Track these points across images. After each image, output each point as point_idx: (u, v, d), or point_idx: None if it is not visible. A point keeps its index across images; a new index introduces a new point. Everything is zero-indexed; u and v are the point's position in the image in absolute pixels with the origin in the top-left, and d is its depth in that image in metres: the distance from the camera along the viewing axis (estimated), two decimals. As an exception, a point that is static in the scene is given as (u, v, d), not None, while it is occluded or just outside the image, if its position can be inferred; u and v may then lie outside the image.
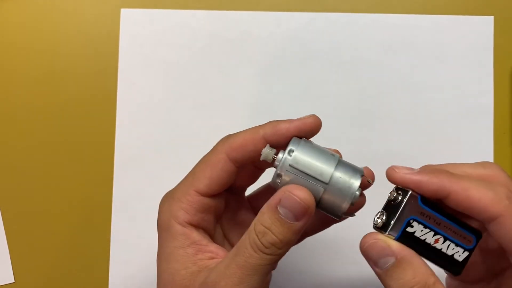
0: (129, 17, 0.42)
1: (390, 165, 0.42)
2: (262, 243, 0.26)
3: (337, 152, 0.29)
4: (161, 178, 0.41)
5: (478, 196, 0.25)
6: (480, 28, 0.42)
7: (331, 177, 0.26)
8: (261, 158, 0.27)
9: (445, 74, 0.42)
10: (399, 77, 0.42)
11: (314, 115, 0.28)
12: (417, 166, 0.41)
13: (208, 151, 0.29)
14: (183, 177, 0.31)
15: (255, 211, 0.32)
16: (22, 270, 0.41)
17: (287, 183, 0.26)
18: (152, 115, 0.42)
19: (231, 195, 0.31)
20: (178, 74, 0.42)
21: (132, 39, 0.42)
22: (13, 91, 0.42)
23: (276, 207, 0.26)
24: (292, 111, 0.42)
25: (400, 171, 0.26)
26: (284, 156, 0.26)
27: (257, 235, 0.26)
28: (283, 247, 0.26)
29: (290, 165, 0.26)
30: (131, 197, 0.41)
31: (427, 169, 0.27)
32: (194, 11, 0.42)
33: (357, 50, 0.42)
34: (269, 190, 0.32)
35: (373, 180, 0.29)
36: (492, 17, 0.42)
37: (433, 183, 0.26)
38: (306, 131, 0.28)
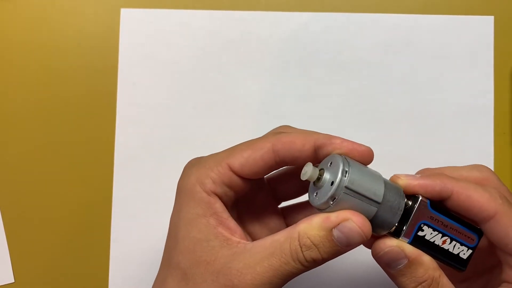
0: (129, 17, 0.42)
1: (390, 165, 0.42)
2: (304, 256, 0.26)
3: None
4: (161, 178, 0.41)
5: (476, 196, 0.27)
6: (480, 28, 0.42)
7: (384, 196, 0.26)
8: (304, 178, 0.26)
9: (445, 74, 0.42)
10: (399, 77, 0.42)
11: (369, 148, 0.27)
12: (417, 166, 0.41)
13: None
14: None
15: (274, 193, 0.32)
16: (22, 270, 0.41)
17: (342, 206, 0.25)
18: (152, 115, 0.42)
19: (255, 186, 0.30)
20: (178, 74, 0.42)
21: (132, 39, 0.42)
22: (12, 90, 0.42)
23: (332, 229, 0.25)
24: (292, 111, 0.42)
25: (404, 178, 0.27)
26: (340, 177, 0.25)
27: (301, 247, 0.26)
28: (322, 263, 0.26)
29: (346, 187, 0.25)
30: (131, 197, 0.41)
31: (427, 173, 0.29)
32: (194, 11, 0.42)
33: (357, 50, 0.42)
34: (290, 174, 0.32)
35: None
36: (492, 17, 0.42)
37: (436, 185, 0.27)
38: (359, 157, 0.27)
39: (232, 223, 0.28)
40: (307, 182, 0.27)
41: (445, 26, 0.42)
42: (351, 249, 0.26)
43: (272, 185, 0.32)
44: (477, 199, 0.27)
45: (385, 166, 0.42)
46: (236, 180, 0.28)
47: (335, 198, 0.25)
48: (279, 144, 0.27)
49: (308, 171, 0.26)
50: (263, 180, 0.32)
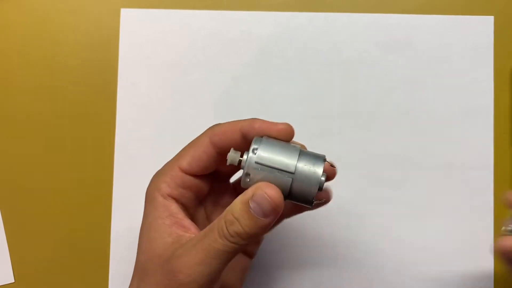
0: (129, 17, 0.42)
1: (390, 165, 0.42)
2: (228, 231, 0.27)
3: (302, 146, 0.31)
4: (161, 178, 0.41)
5: None
6: (480, 28, 0.42)
7: (296, 166, 0.28)
8: (228, 163, 0.29)
9: (445, 74, 0.42)
10: (399, 77, 0.42)
11: (287, 124, 0.30)
12: (417, 166, 0.41)
13: None
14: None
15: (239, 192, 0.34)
16: (22, 270, 0.41)
17: (257, 180, 0.28)
18: (152, 115, 0.42)
19: (217, 181, 0.33)
20: (178, 74, 0.42)
21: (132, 39, 0.42)
22: (12, 90, 0.42)
23: (248, 201, 0.27)
24: (292, 111, 0.42)
25: None
26: (249, 155, 0.28)
27: (225, 223, 0.28)
28: (247, 239, 0.28)
29: (256, 162, 0.28)
30: (131, 197, 0.41)
31: None
32: (194, 11, 0.42)
33: (357, 50, 0.42)
34: None
35: (334, 166, 0.31)
36: (492, 17, 0.42)
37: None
38: (277, 135, 0.29)
39: (187, 222, 0.30)
40: None
41: (445, 26, 0.42)
42: (271, 220, 0.28)
43: (238, 190, 0.34)
44: None
45: (384, 165, 0.42)
46: (190, 179, 0.31)
47: (248, 174, 0.28)
48: (214, 137, 0.30)
49: (229, 156, 0.29)
50: (229, 184, 0.34)
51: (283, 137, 0.29)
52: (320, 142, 0.41)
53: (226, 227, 0.27)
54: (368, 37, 0.42)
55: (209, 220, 0.33)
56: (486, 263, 0.40)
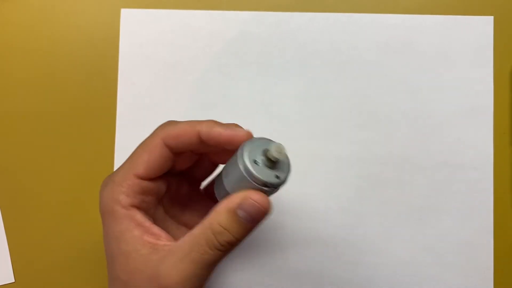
0: (129, 17, 0.42)
1: (390, 165, 0.42)
2: (219, 242, 0.27)
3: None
4: (161, 178, 0.41)
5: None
6: (480, 28, 0.42)
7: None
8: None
9: (445, 74, 0.42)
10: (399, 77, 0.42)
11: (248, 131, 0.29)
12: (417, 166, 0.41)
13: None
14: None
15: (191, 179, 0.34)
16: (22, 270, 0.41)
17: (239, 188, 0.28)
18: (152, 115, 0.42)
19: (172, 177, 0.32)
20: (178, 74, 0.42)
21: (132, 39, 0.42)
22: (12, 90, 0.42)
23: (235, 210, 0.27)
24: (292, 111, 0.42)
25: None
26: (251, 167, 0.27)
27: (214, 235, 0.27)
28: (237, 244, 0.28)
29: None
30: (131, 197, 0.41)
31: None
32: (194, 11, 0.42)
33: (357, 50, 0.42)
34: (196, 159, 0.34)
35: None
36: (492, 17, 0.42)
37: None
38: (237, 143, 0.29)
39: (155, 228, 0.29)
40: (209, 159, 0.31)
41: (445, 26, 0.42)
42: (259, 224, 0.28)
43: (186, 172, 0.34)
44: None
45: (384, 165, 0.42)
46: (147, 184, 0.30)
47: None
48: (168, 139, 0.29)
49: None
50: (184, 178, 0.34)
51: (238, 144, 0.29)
52: (320, 142, 0.41)
53: (216, 238, 0.27)
54: (368, 37, 0.42)
55: (168, 214, 0.32)
56: (486, 263, 0.40)
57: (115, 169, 0.41)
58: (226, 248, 0.28)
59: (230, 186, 0.28)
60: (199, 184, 0.35)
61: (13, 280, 0.41)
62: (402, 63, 0.42)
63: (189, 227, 0.32)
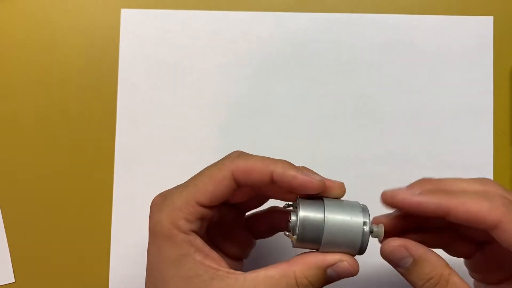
0: (129, 17, 0.42)
1: (390, 165, 0.42)
2: None
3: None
4: (161, 178, 0.41)
5: (475, 208, 0.27)
6: (480, 28, 0.42)
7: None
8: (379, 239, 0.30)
9: (445, 74, 0.42)
10: (399, 77, 0.42)
11: (322, 179, 0.29)
12: (417, 166, 0.41)
13: (213, 162, 0.30)
14: (182, 176, 0.31)
15: (238, 210, 0.34)
16: (22, 270, 0.41)
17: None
18: (152, 115, 0.42)
19: (224, 206, 0.32)
20: (178, 74, 0.42)
21: (132, 39, 0.42)
22: (12, 90, 0.42)
23: (326, 267, 0.28)
24: (292, 111, 0.42)
25: (399, 196, 0.29)
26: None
27: (298, 286, 0.28)
28: None
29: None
30: (131, 197, 0.41)
31: (425, 189, 0.29)
32: (194, 11, 0.42)
33: (357, 50, 0.42)
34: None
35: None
36: (492, 17, 0.42)
37: (432, 203, 0.28)
38: (310, 190, 0.29)
39: (215, 254, 0.29)
40: (265, 194, 0.32)
41: (445, 26, 0.42)
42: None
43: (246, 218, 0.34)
44: (476, 211, 0.27)
45: (384, 166, 0.42)
46: (206, 211, 0.29)
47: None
48: (238, 173, 0.28)
49: (379, 234, 0.30)
50: (230, 207, 0.33)
51: (314, 191, 0.29)
52: (320, 142, 0.41)
53: None
54: (368, 37, 0.42)
55: (212, 242, 0.32)
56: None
57: (115, 169, 0.41)
58: None
59: (331, 236, 0.28)
60: (244, 214, 0.35)
61: (13, 280, 0.41)
62: (402, 63, 0.42)
63: (224, 252, 0.33)
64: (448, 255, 0.33)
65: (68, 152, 0.42)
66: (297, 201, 0.29)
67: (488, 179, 0.30)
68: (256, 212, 0.35)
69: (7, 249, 0.41)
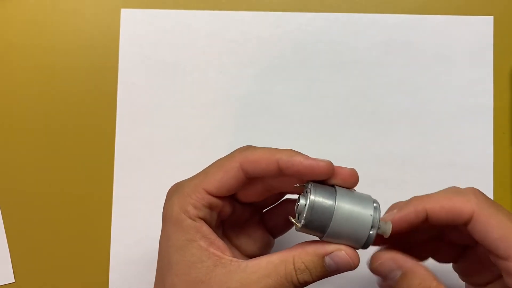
0: (129, 17, 0.42)
1: (390, 165, 0.42)
2: (297, 279, 0.28)
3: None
4: (161, 178, 0.41)
5: (449, 204, 0.28)
6: (480, 28, 0.42)
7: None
8: (384, 235, 0.29)
9: (445, 74, 0.42)
10: (399, 77, 0.42)
11: (329, 162, 0.29)
12: (416, 166, 0.41)
13: (224, 155, 0.31)
14: (183, 176, 0.32)
15: (254, 206, 0.34)
16: (22, 270, 0.41)
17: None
18: (152, 115, 0.42)
19: (238, 203, 0.32)
20: (178, 74, 0.42)
21: (132, 39, 0.42)
22: (13, 91, 0.42)
23: (324, 255, 0.28)
24: (292, 111, 0.42)
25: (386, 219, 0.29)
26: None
27: (295, 270, 0.28)
28: (311, 283, 0.29)
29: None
30: (131, 197, 0.41)
31: (399, 205, 0.30)
32: (194, 11, 0.42)
33: (357, 50, 0.42)
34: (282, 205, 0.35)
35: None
36: (492, 17, 0.42)
37: (411, 212, 0.29)
38: (318, 174, 0.29)
39: (220, 242, 0.29)
40: (277, 189, 0.31)
41: (445, 26, 0.42)
42: (339, 273, 0.29)
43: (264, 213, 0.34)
44: (450, 206, 0.28)
45: (384, 166, 0.42)
46: (215, 200, 0.30)
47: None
48: (246, 163, 0.29)
49: (386, 230, 0.29)
50: (249, 207, 0.34)
51: (322, 175, 0.29)
52: (320, 142, 0.41)
53: (296, 274, 0.28)
54: (368, 37, 0.42)
55: (227, 236, 0.33)
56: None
57: (115, 169, 0.41)
58: (301, 286, 0.28)
59: (338, 225, 0.28)
60: (260, 212, 0.35)
61: (13, 280, 0.41)
62: (402, 63, 0.42)
63: (241, 250, 0.33)
64: (436, 262, 0.34)
65: (68, 152, 0.42)
66: (309, 185, 0.29)
67: (462, 188, 0.30)
68: (271, 207, 0.35)
69: (7, 249, 0.41)
